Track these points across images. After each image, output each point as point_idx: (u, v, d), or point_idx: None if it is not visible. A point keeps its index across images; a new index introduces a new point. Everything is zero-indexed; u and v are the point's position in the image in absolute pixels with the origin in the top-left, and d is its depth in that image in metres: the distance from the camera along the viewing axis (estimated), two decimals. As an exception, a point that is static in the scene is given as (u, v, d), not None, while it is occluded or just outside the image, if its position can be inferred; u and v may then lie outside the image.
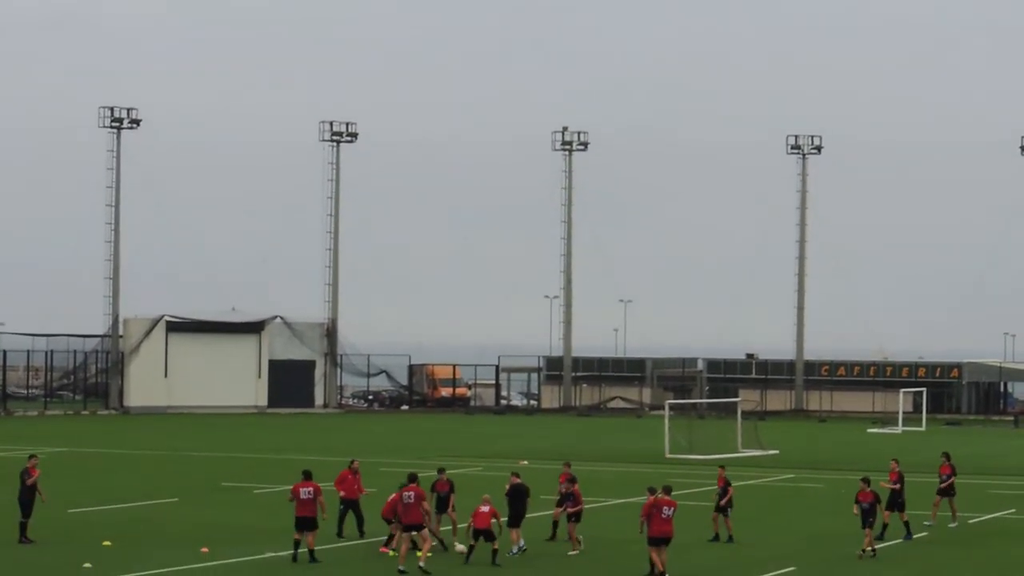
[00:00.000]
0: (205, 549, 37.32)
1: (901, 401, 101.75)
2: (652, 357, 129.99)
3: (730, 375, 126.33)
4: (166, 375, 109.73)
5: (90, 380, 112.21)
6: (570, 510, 38.64)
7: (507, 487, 38.26)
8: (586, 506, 39.56)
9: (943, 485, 44.44)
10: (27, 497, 38.98)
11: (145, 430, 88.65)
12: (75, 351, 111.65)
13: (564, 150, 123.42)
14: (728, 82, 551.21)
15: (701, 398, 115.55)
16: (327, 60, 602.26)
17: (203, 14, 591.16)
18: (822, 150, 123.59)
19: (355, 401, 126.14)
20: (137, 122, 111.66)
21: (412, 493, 34.94)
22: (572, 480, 39.17)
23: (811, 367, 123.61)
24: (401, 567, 34.36)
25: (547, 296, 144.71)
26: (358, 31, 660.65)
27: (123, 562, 35.33)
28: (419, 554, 34.88)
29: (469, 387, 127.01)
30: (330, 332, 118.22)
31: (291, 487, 36.21)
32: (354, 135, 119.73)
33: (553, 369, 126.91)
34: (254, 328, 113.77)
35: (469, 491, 43.67)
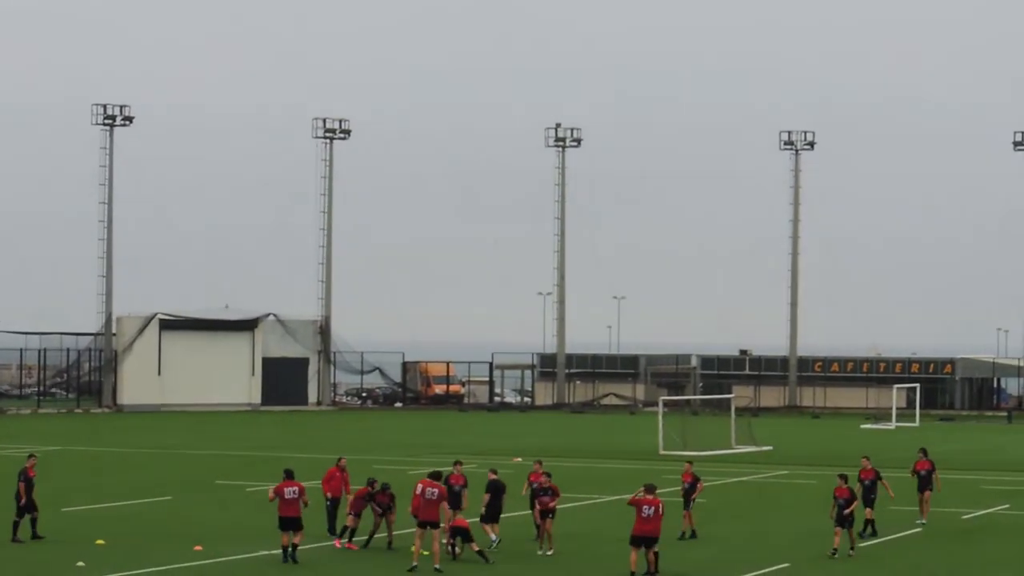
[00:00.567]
0: (198, 547, 37.25)
1: (895, 397, 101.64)
2: (646, 354, 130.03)
3: (724, 371, 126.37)
4: (159, 373, 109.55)
5: (83, 378, 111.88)
6: (551, 504, 37.97)
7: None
8: (580, 503, 39.41)
9: (923, 480, 44.22)
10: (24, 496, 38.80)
11: (138, 428, 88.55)
12: (68, 349, 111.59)
13: (557, 146, 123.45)
14: (722, 79, 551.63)
15: (695, 394, 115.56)
16: (320, 57, 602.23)
17: (196, 11, 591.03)
18: (815, 146, 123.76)
19: (348, 398, 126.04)
20: (130, 119, 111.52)
21: (436, 491, 34.66)
22: (548, 475, 38.67)
23: (805, 363, 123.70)
24: (415, 564, 34.09)
25: (540, 293, 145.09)
26: (350, 27, 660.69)
27: (116, 561, 35.25)
28: (427, 553, 34.45)
29: (463, 384, 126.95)
30: (323, 329, 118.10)
31: (273, 487, 35.84)
32: (347, 132, 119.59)
33: (547, 366, 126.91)
34: (247, 326, 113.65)
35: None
